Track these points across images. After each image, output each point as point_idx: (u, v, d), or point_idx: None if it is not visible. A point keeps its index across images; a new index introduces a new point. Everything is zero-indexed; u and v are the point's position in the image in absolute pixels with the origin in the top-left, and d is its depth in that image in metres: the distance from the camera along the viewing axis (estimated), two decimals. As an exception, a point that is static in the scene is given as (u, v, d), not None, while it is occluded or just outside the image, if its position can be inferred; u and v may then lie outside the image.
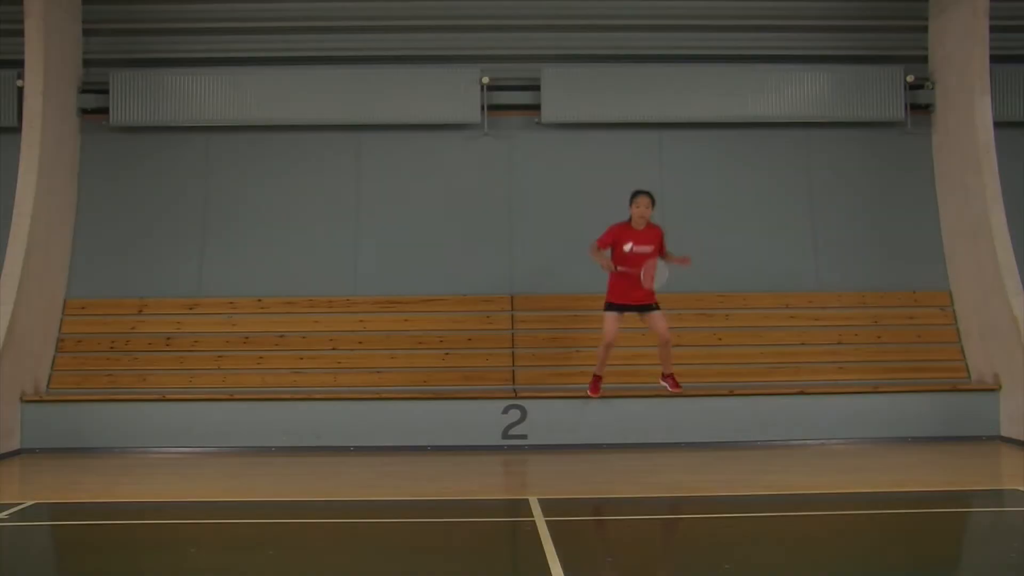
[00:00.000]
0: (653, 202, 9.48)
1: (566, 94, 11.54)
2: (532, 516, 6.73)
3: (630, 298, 9.28)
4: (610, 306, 9.40)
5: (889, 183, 11.74)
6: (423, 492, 8.00)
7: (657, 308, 9.39)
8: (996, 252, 10.48)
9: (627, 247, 9.32)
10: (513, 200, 11.64)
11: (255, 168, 11.68)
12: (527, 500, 7.39)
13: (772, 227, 11.61)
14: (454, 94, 11.52)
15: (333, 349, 10.99)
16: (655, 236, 9.43)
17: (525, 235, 11.47)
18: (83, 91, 11.48)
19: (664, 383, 9.65)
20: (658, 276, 9.08)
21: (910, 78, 11.61)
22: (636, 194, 9.44)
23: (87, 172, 11.52)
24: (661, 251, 9.46)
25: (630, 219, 9.38)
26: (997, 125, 10.80)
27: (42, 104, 10.55)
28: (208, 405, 10.35)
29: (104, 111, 11.44)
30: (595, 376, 9.68)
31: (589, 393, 9.66)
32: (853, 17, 11.79)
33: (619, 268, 9.19)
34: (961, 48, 11.03)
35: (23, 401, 10.18)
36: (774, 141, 11.75)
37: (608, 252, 9.28)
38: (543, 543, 5.93)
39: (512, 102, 11.65)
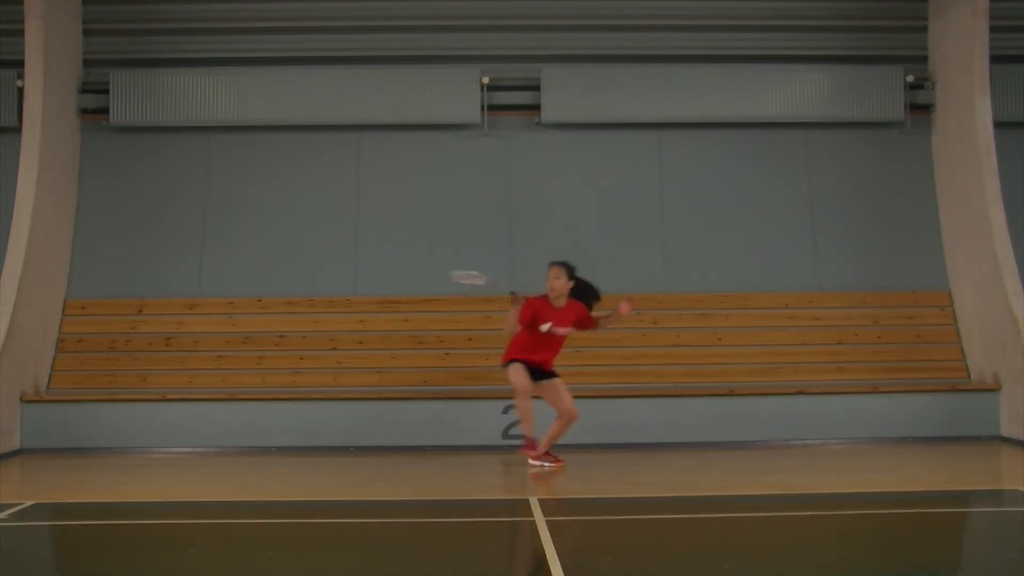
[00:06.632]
0: (570, 273, 8.81)
1: (566, 94, 11.54)
2: (532, 516, 6.73)
3: (534, 359, 8.76)
4: (514, 361, 8.76)
5: (889, 183, 11.73)
6: (423, 492, 8.00)
7: (557, 375, 8.85)
8: (996, 252, 10.48)
9: (545, 327, 8.71)
10: (513, 200, 11.63)
11: (255, 168, 11.68)
12: (527, 500, 7.38)
13: (772, 227, 11.61)
14: (454, 94, 11.52)
15: (333, 349, 10.98)
16: (574, 317, 8.80)
17: (525, 235, 11.46)
18: (83, 91, 11.47)
19: (538, 462, 8.84)
20: (468, 277, 8.79)
21: (910, 78, 11.61)
22: (549, 265, 8.81)
23: (87, 172, 11.51)
24: (588, 325, 8.88)
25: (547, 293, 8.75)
26: (997, 125, 10.79)
27: (42, 104, 10.54)
28: (208, 405, 10.35)
29: (104, 111, 11.43)
30: (529, 440, 8.84)
31: (527, 454, 8.84)
32: (853, 17, 11.79)
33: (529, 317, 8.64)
34: (961, 48, 11.02)
35: (23, 401, 10.18)
36: (774, 141, 11.74)
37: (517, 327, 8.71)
38: (543, 543, 5.93)
39: (512, 102, 11.65)
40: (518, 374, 8.74)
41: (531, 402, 8.78)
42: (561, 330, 8.79)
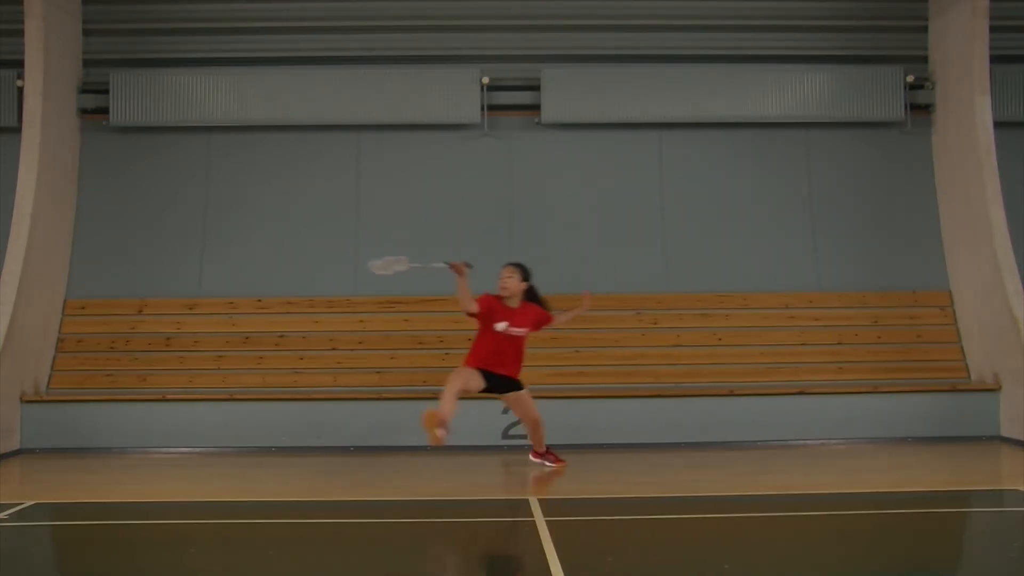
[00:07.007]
0: (524, 275, 8.60)
1: (566, 94, 11.53)
2: (532, 516, 6.73)
3: (496, 369, 8.52)
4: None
5: (889, 183, 11.73)
6: (423, 492, 7.99)
7: (522, 387, 8.68)
8: (996, 252, 10.48)
9: (500, 326, 8.46)
10: (513, 200, 11.63)
11: (255, 168, 11.68)
12: (527, 500, 7.39)
13: (772, 227, 11.61)
14: (454, 94, 11.52)
15: (333, 349, 10.98)
16: (531, 318, 8.59)
17: (525, 235, 11.45)
18: (83, 91, 11.47)
19: (539, 460, 8.96)
20: (388, 266, 8.43)
21: (910, 78, 11.60)
22: (503, 266, 8.60)
23: (87, 172, 11.51)
24: (546, 323, 8.69)
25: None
26: (997, 125, 10.79)
27: (42, 104, 10.54)
28: (208, 405, 10.35)
29: (104, 111, 11.43)
30: (440, 415, 8.20)
31: (431, 422, 8.18)
32: (853, 17, 11.79)
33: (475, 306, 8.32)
34: (961, 48, 11.02)
35: (23, 401, 10.18)
36: (774, 141, 11.74)
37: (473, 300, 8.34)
38: (543, 543, 5.93)
39: (512, 102, 11.64)
40: (467, 369, 8.51)
41: (458, 391, 8.36)
42: (516, 330, 8.56)
